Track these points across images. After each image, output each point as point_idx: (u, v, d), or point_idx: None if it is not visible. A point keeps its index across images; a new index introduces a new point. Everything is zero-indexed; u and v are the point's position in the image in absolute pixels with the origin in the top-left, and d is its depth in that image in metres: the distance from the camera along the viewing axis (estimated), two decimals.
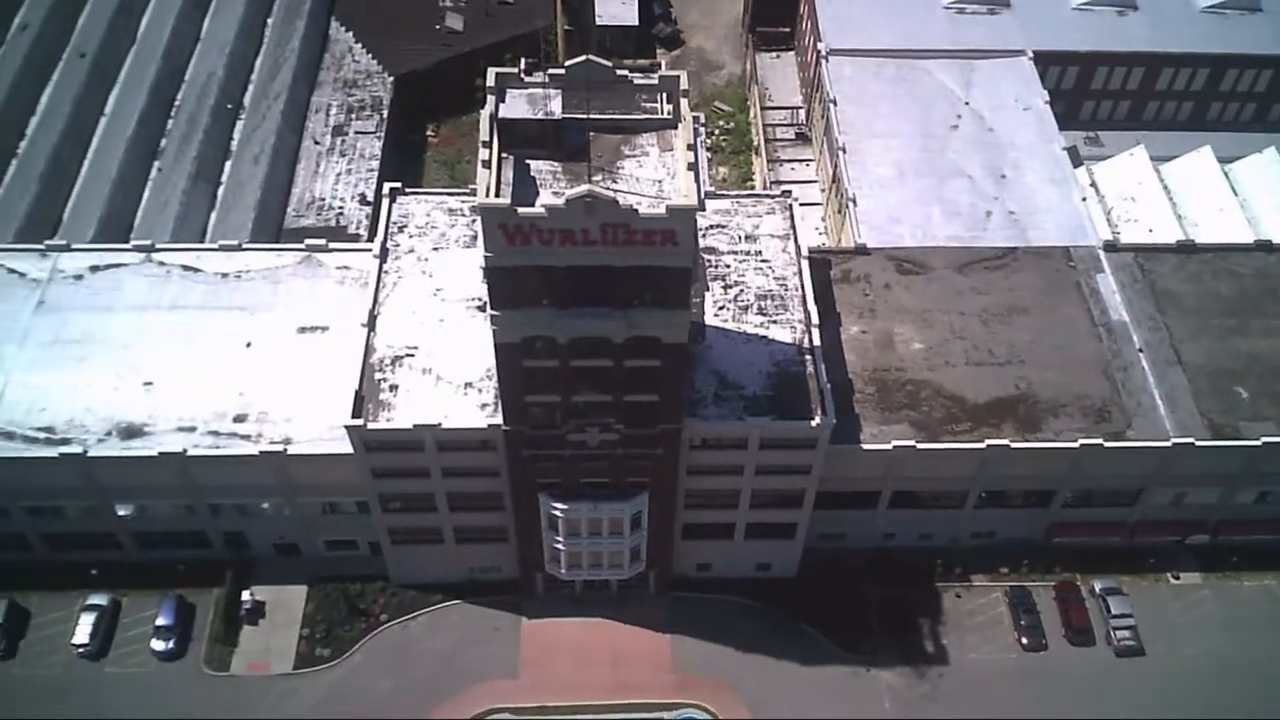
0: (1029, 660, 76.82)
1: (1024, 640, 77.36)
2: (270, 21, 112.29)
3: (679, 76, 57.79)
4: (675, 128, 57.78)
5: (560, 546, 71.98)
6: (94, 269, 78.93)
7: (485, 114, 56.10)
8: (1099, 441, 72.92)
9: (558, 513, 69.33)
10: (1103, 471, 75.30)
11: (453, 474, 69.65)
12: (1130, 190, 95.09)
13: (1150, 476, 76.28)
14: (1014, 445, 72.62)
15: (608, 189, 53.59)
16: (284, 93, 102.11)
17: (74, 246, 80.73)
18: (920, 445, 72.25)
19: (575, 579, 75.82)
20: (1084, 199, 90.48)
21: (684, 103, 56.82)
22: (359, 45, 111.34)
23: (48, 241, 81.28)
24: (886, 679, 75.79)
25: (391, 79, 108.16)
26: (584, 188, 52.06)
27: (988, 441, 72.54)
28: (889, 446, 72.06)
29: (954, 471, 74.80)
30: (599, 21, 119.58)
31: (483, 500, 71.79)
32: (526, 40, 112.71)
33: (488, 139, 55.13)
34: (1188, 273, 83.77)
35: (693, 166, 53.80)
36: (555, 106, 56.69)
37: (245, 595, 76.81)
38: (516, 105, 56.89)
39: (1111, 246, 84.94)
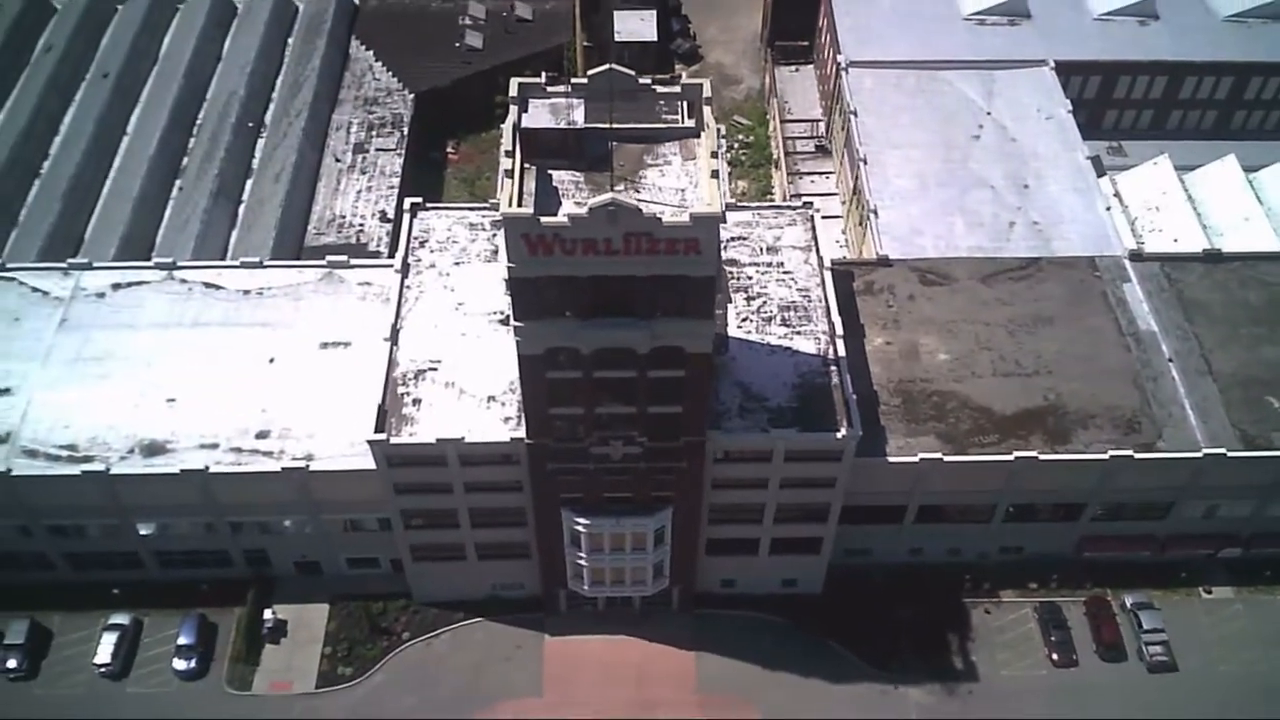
0: (1060, 677, 75.56)
1: (1055, 656, 76.14)
2: (291, 41, 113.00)
3: (702, 85, 57.40)
4: (698, 136, 57.40)
5: (583, 562, 71.30)
6: (116, 287, 79.01)
7: (508, 124, 55.85)
8: (1129, 453, 71.82)
9: (580, 528, 68.70)
10: (1133, 484, 74.20)
11: (475, 489, 69.17)
12: (1154, 200, 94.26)
13: (1182, 489, 75.09)
14: (1043, 457, 71.62)
15: (631, 198, 53.15)
16: (305, 111, 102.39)
17: (96, 265, 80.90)
18: (947, 457, 71.34)
19: (598, 595, 75.10)
20: (1108, 209, 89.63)
21: (707, 111, 56.45)
22: (379, 63, 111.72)
23: (70, 260, 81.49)
24: (915, 696, 74.64)
25: (412, 96, 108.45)
26: (607, 196, 51.66)
27: (1016, 453, 71.56)
28: (916, 459, 71.20)
29: (982, 484, 73.83)
30: (618, 38, 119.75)
31: (505, 516, 71.26)
32: (546, 57, 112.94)
33: (510, 149, 54.85)
34: (1215, 282, 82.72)
35: (716, 174, 53.34)
36: (578, 116, 56.40)
37: (267, 614, 76.42)
38: (539, 115, 56.61)
39: (1137, 256, 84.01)
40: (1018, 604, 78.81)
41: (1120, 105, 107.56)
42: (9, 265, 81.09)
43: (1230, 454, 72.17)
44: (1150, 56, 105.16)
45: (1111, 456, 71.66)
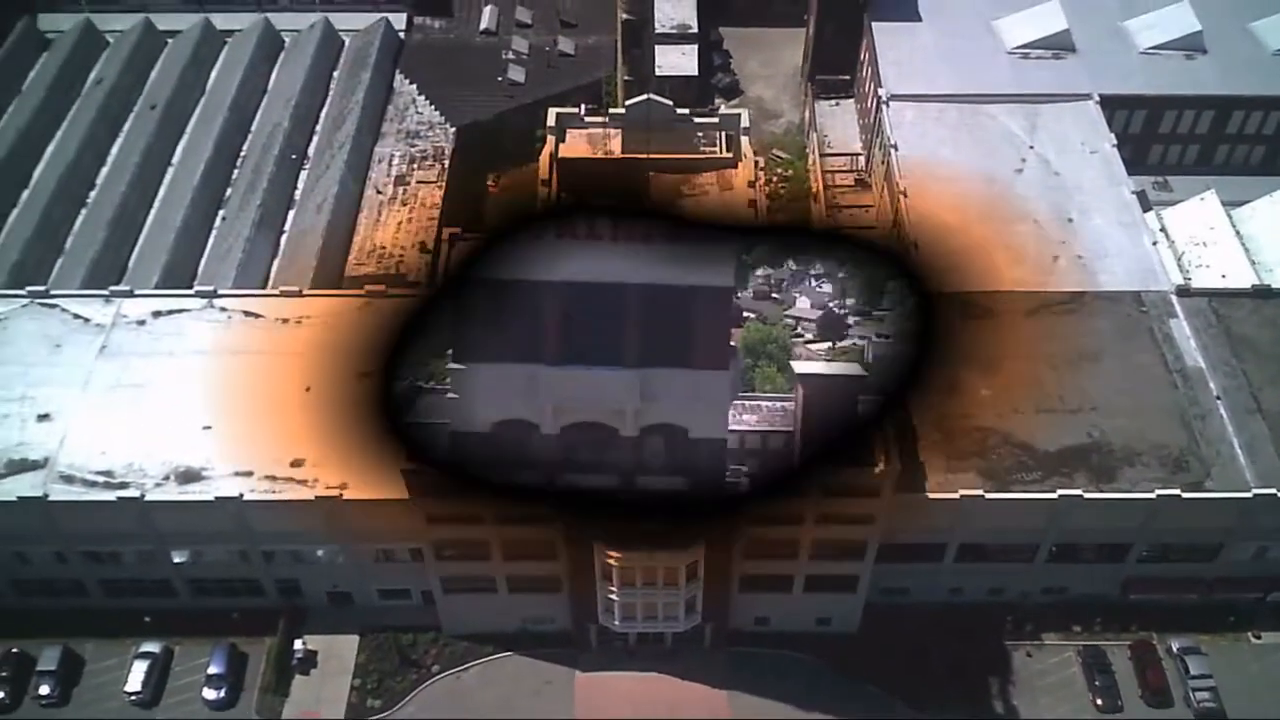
0: None
1: (1099, 702, 74.00)
2: (336, 74, 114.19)
3: (740, 115, 57.40)
4: (735, 166, 57.11)
5: (615, 597, 70.39)
6: (156, 314, 79.69)
7: (545, 154, 55.88)
8: (1176, 492, 70.02)
9: (612, 561, 67.86)
10: (1180, 524, 72.28)
11: (507, 521, 68.58)
12: (1201, 235, 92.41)
13: (1230, 530, 73.06)
14: (1087, 496, 70.00)
15: None
16: (348, 143, 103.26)
17: (137, 292, 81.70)
18: (989, 495, 69.91)
19: (629, 631, 74.09)
20: (1154, 243, 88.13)
21: (745, 141, 56.20)
22: (422, 97, 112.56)
23: (111, 287, 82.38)
24: None
25: (454, 129, 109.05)
26: None
27: (1060, 492, 70.01)
28: (956, 496, 69.82)
29: (1024, 523, 72.24)
30: (659, 72, 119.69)
31: (537, 548, 70.57)
32: (587, 91, 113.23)
33: (546, 178, 54.82)
34: (1264, 318, 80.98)
35: (753, 204, 52.96)
36: (615, 146, 56.37)
37: (297, 644, 76.09)
38: (576, 145, 56.63)
39: (1185, 291, 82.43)
40: (1061, 647, 76.82)
41: (1166, 140, 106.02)
42: (52, 292, 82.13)
43: None
44: (1197, 91, 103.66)
45: (1158, 496, 69.93)
